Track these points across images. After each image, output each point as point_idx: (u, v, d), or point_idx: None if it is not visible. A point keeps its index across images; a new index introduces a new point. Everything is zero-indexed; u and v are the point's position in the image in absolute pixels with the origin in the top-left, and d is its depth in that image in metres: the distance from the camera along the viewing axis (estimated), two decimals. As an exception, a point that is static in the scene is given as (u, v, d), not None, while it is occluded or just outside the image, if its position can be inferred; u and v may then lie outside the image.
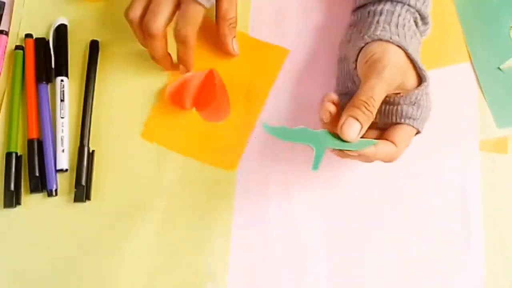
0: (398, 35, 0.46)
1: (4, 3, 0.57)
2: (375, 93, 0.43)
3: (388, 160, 0.45)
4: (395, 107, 0.46)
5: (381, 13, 0.48)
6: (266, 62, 0.55)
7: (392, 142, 0.45)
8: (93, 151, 0.52)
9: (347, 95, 0.48)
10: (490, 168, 0.52)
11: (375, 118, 0.44)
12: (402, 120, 0.46)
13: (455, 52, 0.56)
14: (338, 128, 0.42)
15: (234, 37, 0.54)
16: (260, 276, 0.49)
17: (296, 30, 0.56)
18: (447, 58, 0.55)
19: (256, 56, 0.55)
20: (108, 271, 0.49)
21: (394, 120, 0.46)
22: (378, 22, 0.47)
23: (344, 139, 0.42)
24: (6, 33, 0.56)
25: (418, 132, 0.47)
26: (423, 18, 0.49)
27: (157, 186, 0.51)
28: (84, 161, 0.51)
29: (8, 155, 0.52)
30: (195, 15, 0.48)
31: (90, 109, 0.53)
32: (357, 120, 0.42)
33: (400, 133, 0.46)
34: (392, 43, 0.45)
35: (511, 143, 0.53)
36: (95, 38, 0.56)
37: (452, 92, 0.54)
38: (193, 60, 0.52)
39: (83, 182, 0.51)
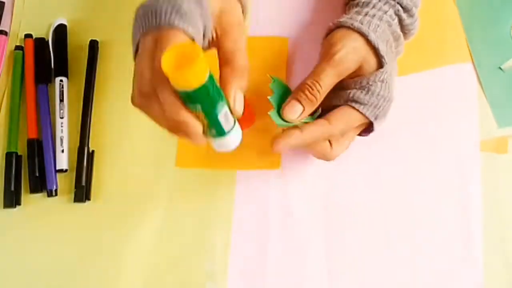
0: (362, 23, 0.46)
1: (3, 3, 0.57)
2: (321, 77, 0.44)
3: (323, 138, 0.46)
4: (346, 91, 0.46)
5: (357, 5, 0.49)
6: (271, 56, 0.55)
7: (326, 120, 0.45)
8: (93, 151, 0.52)
9: None
10: (491, 168, 0.52)
11: (330, 102, 0.46)
12: (347, 103, 0.46)
13: (456, 51, 0.56)
14: (281, 108, 0.45)
15: (242, 88, 0.40)
16: (260, 277, 0.49)
17: (296, 28, 0.56)
18: (448, 57, 0.55)
19: (259, 53, 0.55)
20: (108, 271, 0.49)
21: (339, 103, 0.46)
22: (349, 11, 0.48)
23: (286, 119, 0.45)
24: (6, 33, 0.56)
25: (370, 124, 0.47)
26: (407, 11, 0.48)
27: (157, 186, 0.51)
28: (84, 161, 0.51)
29: (8, 155, 0.52)
30: (171, 42, 0.37)
31: (90, 109, 0.53)
32: (300, 102, 0.45)
33: (338, 112, 0.46)
34: (353, 29, 0.45)
35: (511, 143, 0.52)
36: (94, 38, 0.56)
37: (452, 92, 0.54)
38: (227, 98, 0.41)
39: (83, 182, 0.51)
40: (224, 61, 0.41)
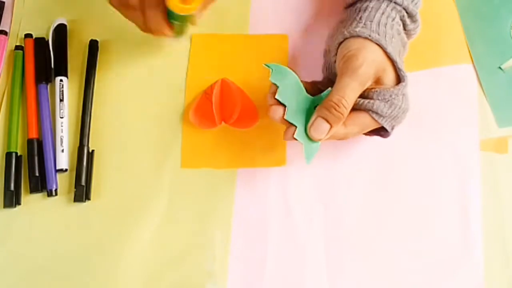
0: (379, 33, 0.46)
1: (3, 3, 0.57)
2: (346, 93, 0.44)
3: (336, 138, 0.47)
4: (368, 101, 0.46)
5: (365, 10, 0.48)
6: (272, 53, 0.55)
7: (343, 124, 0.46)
8: (92, 151, 0.52)
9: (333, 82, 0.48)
10: (491, 168, 0.52)
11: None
12: (368, 112, 0.46)
13: (456, 51, 0.56)
14: (307, 128, 0.45)
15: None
16: (260, 277, 0.49)
17: (295, 25, 0.56)
18: (448, 57, 0.55)
19: (259, 51, 0.55)
20: (108, 271, 0.49)
21: (358, 108, 0.46)
22: (360, 18, 0.48)
23: (313, 139, 0.45)
24: (6, 33, 0.56)
25: (385, 131, 0.48)
26: (411, 16, 0.49)
27: (157, 186, 0.51)
28: (84, 161, 0.51)
29: (8, 155, 0.52)
30: None
31: (89, 109, 0.53)
32: (327, 121, 0.44)
33: (356, 118, 0.46)
34: (371, 40, 0.45)
35: (511, 142, 0.52)
36: (94, 38, 0.56)
37: (452, 92, 0.54)
38: None
39: (83, 182, 0.51)
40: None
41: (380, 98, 0.46)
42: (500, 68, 0.55)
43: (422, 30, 0.54)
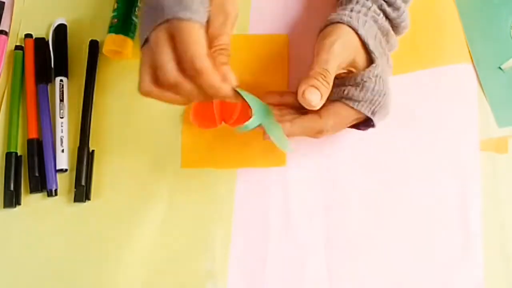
0: (351, 17, 0.47)
1: (3, 3, 0.57)
2: (328, 66, 0.45)
3: (312, 133, 0.47)
4: (340, 89, 0.47)
5: (341, 3, 0.50)
6: (272, 53, 0.55)
7: (317, 114, 0.46)
8: (93, 151, 0.52)
9: None
10: (491, 168, 0.52)
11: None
12: (341, 100, 0.47)
13: (456, 51, 0.56)
14: (299, 96, 0.44)
15: (226, 64, 0.44)
16: (260, 277, 0.49)
17: (295, 24, 0.56)
18: (448, 57, 0.55)
19: (259, 51, 0.55)
20: (108, 271, 0.49)
21: (333, 99, 0.47)
22: (338, 8, 0.49)
23: (307, 106, 0.44)
24: (6, 33, 0.56)
25: (368, 120, 0.48)
26: (391, 4, 0.49)
27: (157, 186, 0.51)
28: (84, 161, 0.51)
29: (8, 155, 0.52)
30: (192, 34, 0.41)
31: (89, 109, 0.53)
32: (318, 89, 0.44)
33: (331, 108, 0.46)
34: (343, 23, 0.46)
35: (511, 142, 0.52)
36: (94, 38, 0.56)
37: (452, 92, 0.54)
38: (222, 87, 0.43)
39: (83, 182, 0.51)
40: (208, 43, 0.43)
41: (351, 83, 0.46)
42: (500, 68, 0.55)
43: (422, 30, 0.54)
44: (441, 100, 0.54)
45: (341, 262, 0.49)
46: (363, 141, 0.52)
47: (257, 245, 0.50)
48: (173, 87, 0.42)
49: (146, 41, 0.43)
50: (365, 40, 0.46)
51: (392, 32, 0.49)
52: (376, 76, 0.47)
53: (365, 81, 0.46)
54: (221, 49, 0.44)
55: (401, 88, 0.54)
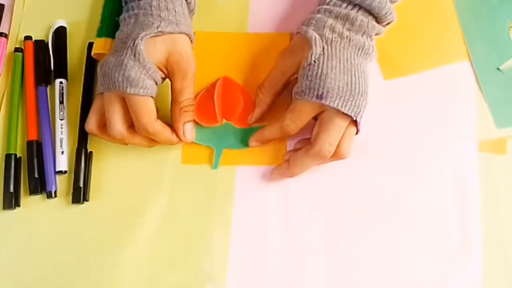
0: (304, 23, 0.50)
1: (3, 5, 0.58)
2: (267, 79, 0.51)
3: (278, 133, 0.50)
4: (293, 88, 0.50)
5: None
6: (273, 52, 0.55)
7: (281, 116, 0.50)
8: (90, 152, 0.52)
9: None
10: (489, 169, 0.52)
11: None
12: (293, 97, 0.49)
13: (454, 51, 0.56)
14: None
15: (189, 121, 0.50)
16: (259, 277, 0.49)
17: (294, 26, 0.56)
18: (446, 58, 0.55)
19: (261, 50, 0.55)
20: (107, 272, 0.49)
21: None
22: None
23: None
24: (6, 36, 0.56)
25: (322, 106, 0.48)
26: None
27: (156, 187, 0.51)
28: (81, 162, 0.51)
29: (8, 157, 0.52)
30: (142, 107, 0.47)
31: (88, 110, 0.53)
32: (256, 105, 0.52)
33: (288, 107, 0.49)
34: (299, 32, 0.50)
35: (510, 143, 0.53)
36: (93, 41, 0.55)
37: (451, 92, 0.54)
38: (176, 131, 0.50)
39: (81, 184, 0.51)
40: (173, 99, 0.50)
41: (299, 77, 0.48)
42: (498, 69, 0.55)
43: (421, 30, 0.54)
44: (440, 101, 0.54)
45: (341, 262, 0.49)
46: (362, 141, 0.52)
47: (257, 245, 0.50)
48: (118, 140, 0.49)
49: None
50: (309, 35, 0.48)
51: (356, 15, 0.48)
52: (314, 62, 0.47)
53: (303, 73, 0.48)
54: (185, 106, 0.49)
55: (400, 90, 0.54)
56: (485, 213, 0.50)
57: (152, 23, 0.48)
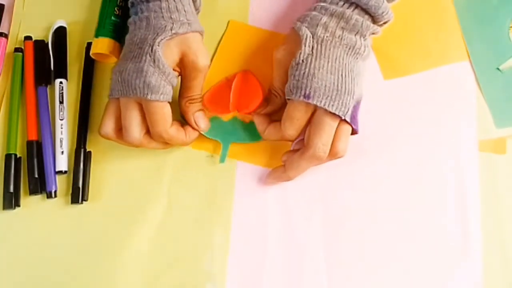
0: (299, 20, 0.50)
1: (3, 5, 0.58)
2: (273, 81, 0.51)
3: (285, 139, 0.49)
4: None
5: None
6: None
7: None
8: (89, 152, 0.52)
9: None
10: (489, 169, 0.52)
11: None
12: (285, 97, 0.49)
13: (453, 51, 0.56)
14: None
15: (198, 111, 0.51)
16: (259, 277, 0.49)
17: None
18: (446, 58, 0.55)
19: (261, 47, 0.55)
20: (107, 272, 0.49)
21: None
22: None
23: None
24: (6, 36, 0.56)
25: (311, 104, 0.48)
26: None
27: (156, 187, 0.52)
28: (80, 162, 0.51)
29: (8, 157, 0.52)
30: (160, 113, 0.47)
31: (87, 111, 0.54)
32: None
33: (285, 112, 0.49)
34: (293, 28, 0.50)
35: (510, 143, 0.53)
36: (92, 41, 0.56)
37: (450, 92, 0.54)
38: (189, 123, 0.51)
39: (80, 184, 0.51)
40: (181, 94, 0.51)
41: (288, 76, 0.48)
42: (498, 69, 0.55)
43: (421, 30, 0.54)
44: (439, 101, 0.54)
45: (340, 261, 0.49)
46: (361, 141, 0.52)
47: (256, 245, 0.50)
48: (135, 145, 0.50)
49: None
50: (302, 34, 0.48)
51: (352, 13, 0.48)
52: (302, 61, 0.47)
53: (291, 74, 0.48)
54: (192, 99, 0.50)
55: (400, 90, 0.54)
56: (485, 213, 0.51)
57: (165, 26, 0.48)
